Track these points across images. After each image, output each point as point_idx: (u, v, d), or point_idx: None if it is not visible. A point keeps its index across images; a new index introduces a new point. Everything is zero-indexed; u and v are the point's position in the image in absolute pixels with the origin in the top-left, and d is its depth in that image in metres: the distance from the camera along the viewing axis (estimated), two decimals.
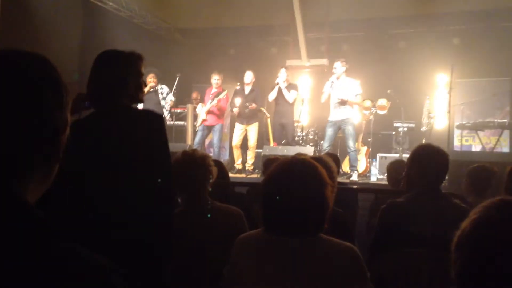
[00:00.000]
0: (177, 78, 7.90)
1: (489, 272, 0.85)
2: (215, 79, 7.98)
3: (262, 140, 8.54)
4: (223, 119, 8.31)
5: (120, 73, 2.14)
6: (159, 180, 2.10)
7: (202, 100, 8.42)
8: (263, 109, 7.92)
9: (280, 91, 7.55)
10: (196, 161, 2.46)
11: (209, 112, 7.94)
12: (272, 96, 7.62)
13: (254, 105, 7.70)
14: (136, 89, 2.20)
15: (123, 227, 1.95)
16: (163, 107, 7.91)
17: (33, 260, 0.70)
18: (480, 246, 0.87)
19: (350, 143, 7.03)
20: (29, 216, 0.74)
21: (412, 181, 2.52)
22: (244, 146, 8.06)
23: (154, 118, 2.19)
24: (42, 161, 0.82)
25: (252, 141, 7.90)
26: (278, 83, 7.52)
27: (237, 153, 8.01)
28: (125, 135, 2.09)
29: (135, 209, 2.02)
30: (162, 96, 7.90)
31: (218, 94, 7.87)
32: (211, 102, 7.85)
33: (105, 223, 1.94)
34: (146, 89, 7.65)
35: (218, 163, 3.78)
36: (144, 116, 2.22)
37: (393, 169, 4.17)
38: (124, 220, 1.96)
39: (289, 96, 7.53)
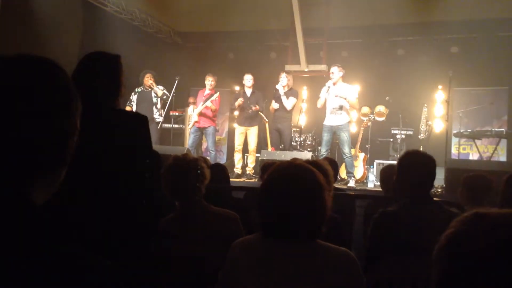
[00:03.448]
0: (176, 81, 7.91)
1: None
2: (209, 80, 8.02)
3: (260, 145, 8.56)
4: (215, 121, 8.32)
5: (105, 75, 2.19)
6: (141, 180, 2.14)
7: (194, 102, 8.46)
8: (261, 113, 7.93)
9: (279, 97, 7.53)
10: (187, 165, 2.46)
11: (201, 114, 7.95)
12: (275, 105, 7.56)
13: (257, 106, 7.72)
14: (118, 89, 2.25)
15: (105, 225, 1.98)
16: (155, 104, 7.95)
17: (36, 261, 0.71)
18: (452, 261, 0.87)
19: (346, 149, 7.04)
20: (35, 217, 0.75)
21: (401, 188, 2.51)
22: (244, 150, 8.08)
23: (138, 120, 2.24)
24: (50, 164, 0.83)
25: (252, 145, 7.92)
26: (277, 89, 7.50)
27: (238, 157, 8.03)
28: (108, 135, 2.12)
29: (115, 207, 2.04)
30: (154, 94, 7.94)
31: (210, 96, 7.90)
32: (202, 104, 7.87)
33: (85, 221, 1.96)
34: (139, 89, 7.80)
35: (219, 167, 3.79)
36: (128, 117, 2.28)
37: (386, 174, 4.17)
38: (105, 218, 1.99)
39: (287, 103, 7.50)
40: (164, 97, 7.85)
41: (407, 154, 2.56)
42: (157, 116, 7.88)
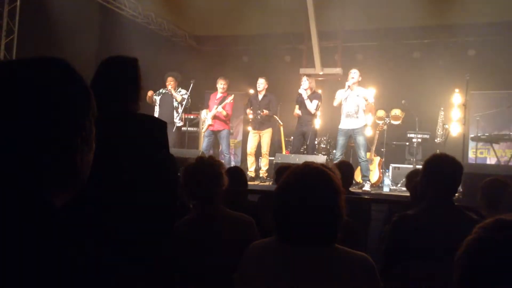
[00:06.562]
0: (191, 85, 7.96)
1: None
2: (221, 84, 8.04)
3: (274, 148, 8.54)
4: (229, 124, 8.32)
5: (124, 79, 2.19)
6: (159, 185, 2.13)
7: (207, 106, 8.49)
8: (276, 117, 7.92)
9: (302, 101, 7.50)
10: (209, 168, 2.46)
11: (214, 117, 7.96)
12: (298, 111, 7.53)
13: (266, 111, 7.71)
14: (137, 92, 2.24)
15: (121, 231, 1.97)
16: (176, 109, 7.97)
17: (50, 262, 0.71)
18: (474, 267, 0.86)
19: (361, 153, 7.00)
20: (51, 219, 0.76)
21: (424, 191, 2.48)
22: (257, 153, 8.08)
23: (156, 125, 2.25)
24: (69, 167, 0.83)
25: (265, 148, 7.91)
26: (301, 94, 7.47)
27: (251, 160, 8.03)
28: (126, 139, 2.11)
29: (133, 214, 2.03)
30: (175, 99, 7.99)
31: (223, 99, 7.91)
32: (216, 108, 7.89)
33: (103, 226, 1.96)
34: (164, 90, 7.84)
35: (238, 170, 3.79)
36: (147, 122, 2.26)
37: (413, 178, 4.11)
38: (122, 225, 1.99)
39: (310, 106, 7.45)
40: (183, 102, 7.88)
41: (434, 157, 2.51)
42: (178, 120, 7.91)
